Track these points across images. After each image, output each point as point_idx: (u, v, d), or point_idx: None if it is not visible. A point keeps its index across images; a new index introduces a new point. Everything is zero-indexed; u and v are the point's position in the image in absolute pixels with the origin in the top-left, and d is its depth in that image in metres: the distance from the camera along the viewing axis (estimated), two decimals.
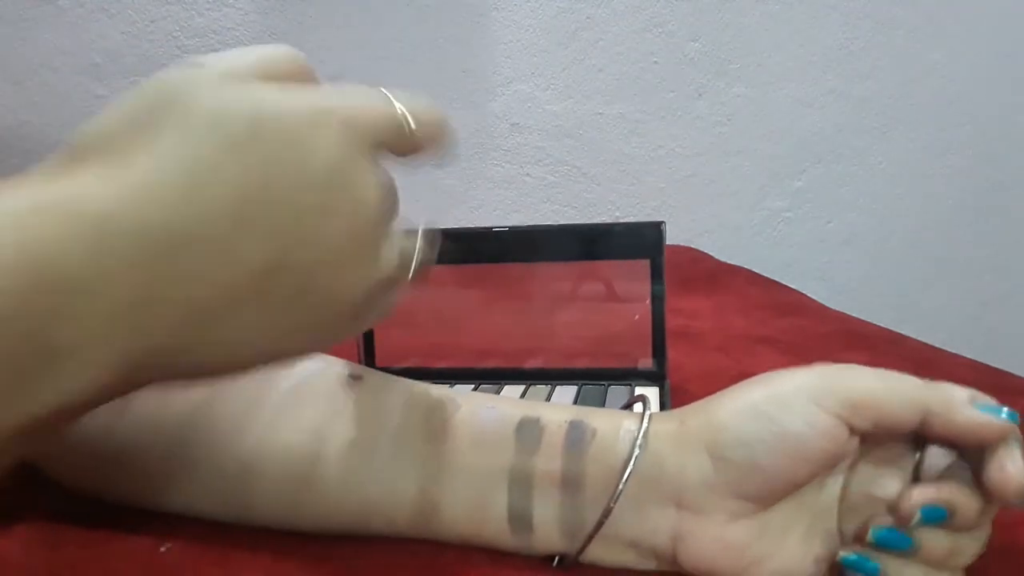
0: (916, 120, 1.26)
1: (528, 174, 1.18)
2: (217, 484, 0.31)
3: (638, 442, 0.28)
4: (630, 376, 0.49)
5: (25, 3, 1.02)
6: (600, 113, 1.18)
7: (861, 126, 1.25)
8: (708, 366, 0.56)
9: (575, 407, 0.31)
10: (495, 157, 1.16)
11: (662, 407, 0.44)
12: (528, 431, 0.30)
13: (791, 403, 0.26)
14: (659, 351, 0.48)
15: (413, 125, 0.25)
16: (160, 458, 0.31)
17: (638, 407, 0.30)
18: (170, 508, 0.32)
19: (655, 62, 1.18)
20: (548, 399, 0.46)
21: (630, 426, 0.29)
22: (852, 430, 0.26)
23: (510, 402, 0.32)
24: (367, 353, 0.51)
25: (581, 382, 0.49)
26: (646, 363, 0.48)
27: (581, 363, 0.50)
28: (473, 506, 0.29)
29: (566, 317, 0.51)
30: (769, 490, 0.26)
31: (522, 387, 0.48)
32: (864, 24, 1.21)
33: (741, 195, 1.24)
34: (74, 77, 1.04)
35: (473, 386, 0.49)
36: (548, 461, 0.29)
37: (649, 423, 0.28)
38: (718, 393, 0.29)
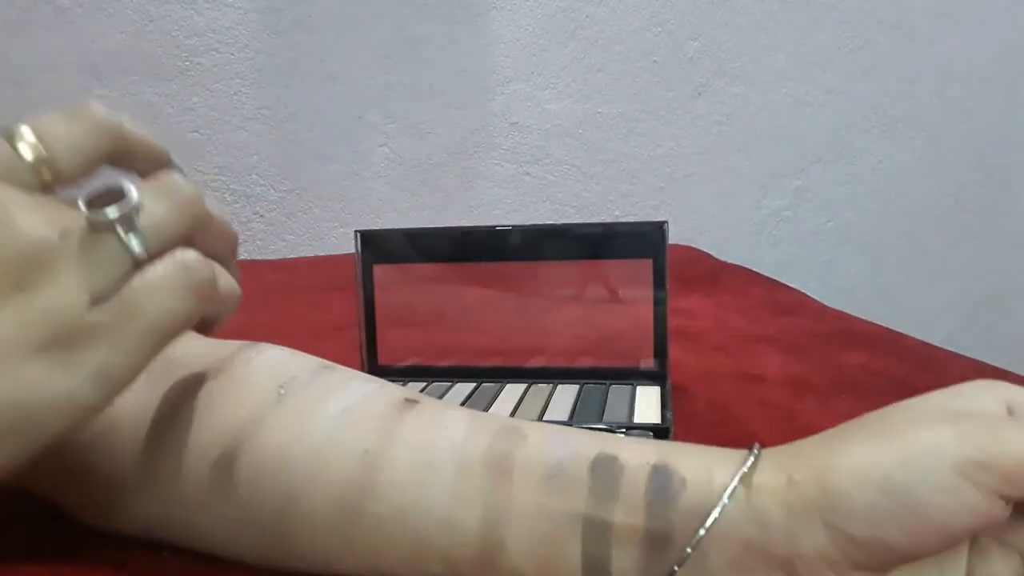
0: (916, 120, 1.26)
1: (528, 173, 1.18)
2: (257, 515, 0.28)
3: (723, 502, 0.24)
4: (631, 376, 0.49)
5: (25, 3, 1.02)
6: (600, 112, 1.18)
7: (861, 126, 1.25)
8: (708, 366, 0.56)
9: (656, 444, 0.27)
10: (495, 156, 1.16)
11: (663, 407, 0.44)
12: (604, 471, 0.26)
13: (931, 475, 0.22)
14: (661, 351, 0.48)
15: (31, 155, 0.22)
16: (195, 487, 0.28)
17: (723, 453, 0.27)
18: (194, 543, 0.29)
19: (654, 61, 1.18)
20: (549, 398, 0.46)
21: (723, 478, 0.25)
22: (1007, 501, 0.22)
23: (583, 435, 0.28)
24: (369, 351, 0.51)
25: (582, 381, 0.49)
26: (648, 363, 0.48)
27: (582, 362, 0.50)
28: (543, 551, 0.26)
29: (567, 316, 0.51)
30: (895, 562, 0.23)
31: (523, 385, 0.49)
32: (864, 24, 1.22)
33: (741, 194, 1.24)
34: (74, 77, 1.04)
35: (475, 384, 0.49)
36: (629, 512, 0.25)
37: (750, 477, 0.25)
38: (827, 437, 0.25)
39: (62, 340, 0.21)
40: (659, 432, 0.41)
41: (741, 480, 0.24)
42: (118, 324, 0.22)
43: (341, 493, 0.27)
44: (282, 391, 0.29)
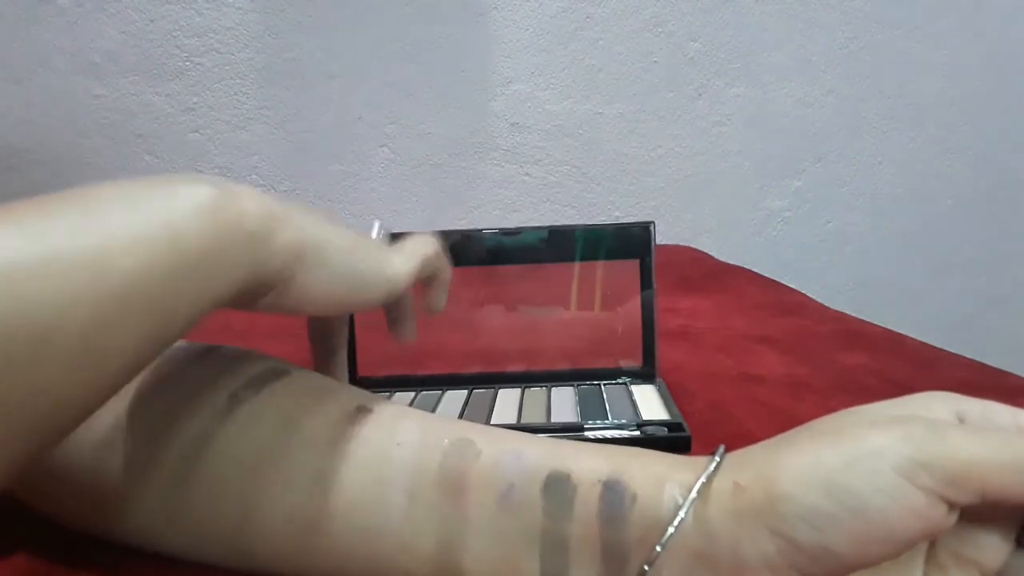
0: (916, 120, 1.26)
1: (528, 174, 1.18)
2: (218, 529, 0.28)
3: (678, 519, 0.24)
4: (620, 375, 0.49)
5: (25, 3, 1.02)
6: (600, 113, 1.18)
7: (861, 126, 1.25)
8: (708, 366, 0.56)
9: (609, 454, 0.27)
10: (495, 157, 1.16)
11: (667, 403, 0.44)
12: (557, 491, 0.26)
13: (873, 476, 0.21)
14: (649, 351, 0.48)
15: None
16: (160, 496, 0.28)
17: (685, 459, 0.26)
18: (168, 550, 0.29)
19: (655, 62, 1.18)
20: (549, 401, 0.46)
21: (673, 490, 0.25)
22: (952, 505, 0.22)
23: (536, 447, 0.28)
24: (350, 360, 0.49)
25: (575, 383, 0.48)
26: (636, 362, 0.48)
27: (572, 364, 0.50)
28: (500, 569, 0.26)
29: (556, 318, 0.50)
30: (842, 572, 0.22)
31: (516, 390, 0.48)
32: (864, 24, 1.22)
33: (741, 195, 1.24)
34: (74, 77, 1.04)
35: (467, 392, 0.48)
36: (584, 529, 0.25)
37: (707, 487, 0.24)
38: (775, 442, 0.25)
39: None
40: (672, 428, 0.41)
41: (698, 493, 0.24)
42: None
43: (297, 512, 0.27)
44: (232, 399, 0.29)
